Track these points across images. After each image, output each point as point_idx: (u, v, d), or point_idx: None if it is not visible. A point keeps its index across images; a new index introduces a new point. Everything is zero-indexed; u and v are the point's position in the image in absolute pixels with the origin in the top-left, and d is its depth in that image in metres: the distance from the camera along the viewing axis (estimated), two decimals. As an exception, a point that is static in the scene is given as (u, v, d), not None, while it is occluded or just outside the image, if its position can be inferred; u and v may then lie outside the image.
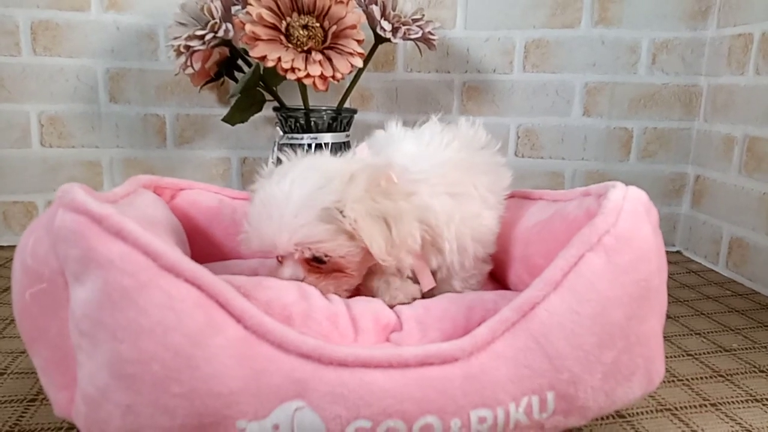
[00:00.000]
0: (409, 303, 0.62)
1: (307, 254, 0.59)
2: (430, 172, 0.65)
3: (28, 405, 0.59)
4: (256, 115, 1.08)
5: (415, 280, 0.68)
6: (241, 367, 0.44)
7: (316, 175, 0.60)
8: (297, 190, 0.58)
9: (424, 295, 0.66)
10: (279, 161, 0.65)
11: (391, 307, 0.61)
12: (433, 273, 0.69)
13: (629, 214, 0.52)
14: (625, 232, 0.51)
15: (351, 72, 0.91)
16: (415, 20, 0.95)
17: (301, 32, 0.88)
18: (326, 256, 0.59)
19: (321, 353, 0.45)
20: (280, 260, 0.62)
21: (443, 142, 0.69)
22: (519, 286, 0.70)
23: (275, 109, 1.04)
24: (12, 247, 1.12)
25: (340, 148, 1.02)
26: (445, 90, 1.21)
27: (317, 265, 0.60)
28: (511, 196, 0.87)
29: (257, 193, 0.61)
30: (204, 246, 0.82)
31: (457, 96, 1.21)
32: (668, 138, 1.17)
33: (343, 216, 0.58)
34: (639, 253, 0.51)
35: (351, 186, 0.59)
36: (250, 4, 0.86)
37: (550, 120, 1.19)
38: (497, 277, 0.79)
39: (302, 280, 0.60)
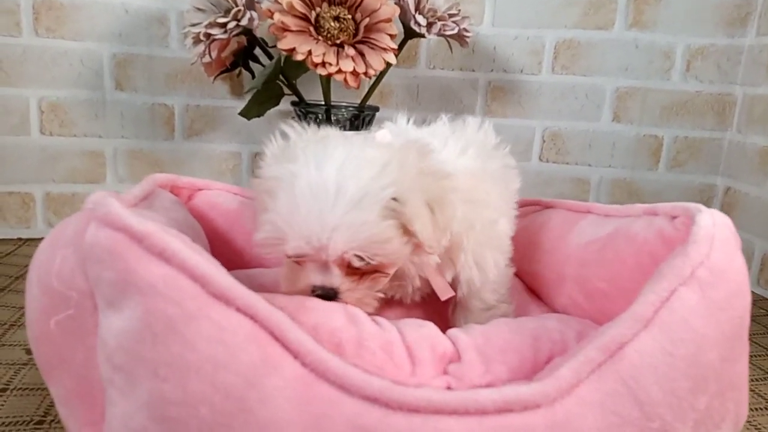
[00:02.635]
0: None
1: (367, 259, 0.50)
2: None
3: (35, 428, 0.53)
4: (270, 110, 1.01)
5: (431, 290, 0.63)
6: (299, 412, 0.39)
7: (366, 161, 0.50)
8: (350, 180, 0.47)
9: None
10: (286, 137, 0.56)
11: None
12: (453, 288, 0.64)
13: (722, 243, 0.48)
14: (720, 264, 0.46)
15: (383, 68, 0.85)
16: (451, 15, 0.90)
17: (332, 24, 0.82)
18: (381, 256, 0.51)
19: (389, 397, 0.40)
20: (299, 261, 0.52)
21: (457, 148, 0.64)
22: (571, 309, 0.65)
23: (294, 103, 0.99)
24: (8, 241, 1.05)
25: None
26: (469, 89, 1.16)
27: (356, 267, 0.52)
28: (550, 206, 0.83)
29: (285, 181, 0.49)
30: (224, 253, 0.76)
31: (481, 96, 1.16)
32: (699, 148, 1.13)
33: (402, 206, 0.50)
34: (734, 288, 0.46)
35: (405, 172, 0.51)
36: (280, -8, 0.80)
37: (578, 124, 1.14)
38: (539, 294, 0.75)
39: (337, 288, 0.53)
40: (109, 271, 0.39)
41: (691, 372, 0.44)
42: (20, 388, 0.60)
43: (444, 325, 0.56)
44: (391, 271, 0.56)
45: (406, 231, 0.52)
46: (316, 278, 0.52)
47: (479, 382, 0.49)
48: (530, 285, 0.78)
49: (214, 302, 0.39)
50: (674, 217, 0.56)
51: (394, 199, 0.50)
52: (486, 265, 0.62)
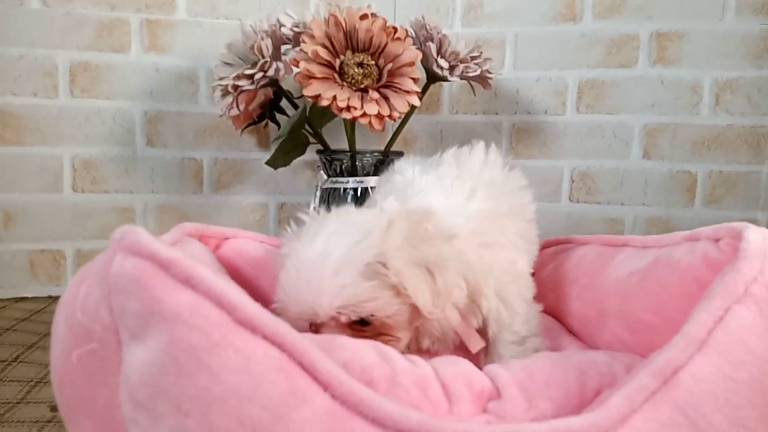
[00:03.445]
0: None
1: (353, 317, 0.52)
2: (462, 226, 0.60)
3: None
4: (295, 160, 1.02)
5: (461, 344, 0.61)
6: (331, 448, 0.36)
7: (351, 230, 0.54)
8: (334, 249, 0.52)
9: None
10: (301, 222, 0.60)
11: None
12: (482, 332, 0.62)
13: (776, 259, 0.44)
14: (775, 281, 0.43)
15: (407, 111, 0.86)
16: (473, 58, 0.91)
17: (356, 70, 0.83)
18: (372, 316, 0.52)
19: (428, 431, 0.37)
20: (314, 329, 0.55)
21: (465, 192, 0.64)
22: (616, 347, 0.61)
23: (319, 152, 0.99)
24: (38, 299, 1.05)
25: (363, 193, 0.95)
26: (493, 132, 1.15)
27: (361, 328, 0.54)
28: (584, 243, 0.80)
29: (289, 257, 0.55)
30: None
31: (506, 138, 1.15)
32: (735, 182, 1.10)
33: (387, 269, 0.52)
34: (794, 306, 0.43)
35: (390, 236, 0.53)
36: (304, 42, 0.82)
37: (607, 163, 1.12)
38: (580, 335, 0.71)
39: None
40: (134, 302, 0.38)
41: (757, 399, 0.40)
42: (42, 443, 0.58)
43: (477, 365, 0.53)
44: (401, 334, 0.56)
45: (399, 293, 0.52)
46: None
47: (522, 420, 0.46)
48: (569, 326, 0.74)
49: (240, 330, 0.38)
50: (718, 240, 0.53)
51: (380, 263, 0.52)
52: (512, 300, 0.61)
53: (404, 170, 0.71)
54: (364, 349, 0.50)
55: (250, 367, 0.37)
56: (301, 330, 0.53)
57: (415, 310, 0.53)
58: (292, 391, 0.37)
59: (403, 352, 0.60)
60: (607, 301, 0.64)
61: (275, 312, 0.52)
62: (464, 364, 0.52)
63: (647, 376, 0.40)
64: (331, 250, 0.52)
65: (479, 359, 0.62)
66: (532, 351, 0.62)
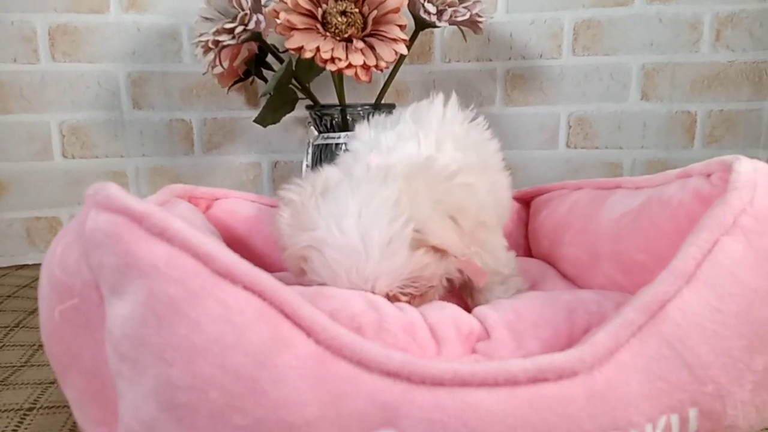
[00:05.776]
0: None
1: (410, 290, 0.53)
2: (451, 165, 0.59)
3: (60, 444, 0.52)
4: (287, 117, 1.01)
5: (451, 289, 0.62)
6: (315, 391, 0.36)
7: (378, 206, 0.51)
8: (373, 231, 0.50)
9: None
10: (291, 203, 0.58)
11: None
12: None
13: (766, 189, 0.43)
14: (765, 211, 0.42)
15: (395, 60, 0.83)
16: (461, 1, 0.88)
17: (340, 19, 0.81)
18: (424, 282, 0.53)
19: (411, 370, 0.37)
20: None
21: (432, 143, 0.63)
22: (611, 288, 0.61)
23: (308, 107, 0.97)
24: (37, 266, 1.06)
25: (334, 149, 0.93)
26: (487, 79, 1.13)
27: (411, 294, 0.54)
28: (577, 188, 0.79)
29: (314, 248, 0.52)
30: (244, 258, 0.74)
31: (500, 85, 1.13)
32: (736, 121, 1.07)
33: (426, 234, 0.52)
34: (784, 235, 0.42)
35: (417, 200, 0.52)
36: (284, -9, 0.79)
37: (605, 106, 1.10)
38: (575, 280, 0.70)
39: None
40: (110, 256, 0.38)
41: (744, 330, 0.40)
42: (47, 407, 0.59)
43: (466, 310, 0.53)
44: (435, 283, 0.56)
45: (437, 249, 0.53)
46: None
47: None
48: (563, 271, 0.74)
49: (220, 280, 0.37)
50: (710, 174, 0.52)
51: (417, 230, 0.51)
52: (495, 247, 0.63)
53: (362, 135, 0.68)
54: (353, 298, 0.50)
55: (231, 316, 0.37)
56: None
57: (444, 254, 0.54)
58: (275, 337, 0.37)
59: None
60: (599, 243, 0.64)
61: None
62: (451, 308, 0.52)
63: (633, 311, 0.40)
64: (369, 233, 0.50)
65: (467, 304, 0.62)
66: (515, 289, 0.62)
